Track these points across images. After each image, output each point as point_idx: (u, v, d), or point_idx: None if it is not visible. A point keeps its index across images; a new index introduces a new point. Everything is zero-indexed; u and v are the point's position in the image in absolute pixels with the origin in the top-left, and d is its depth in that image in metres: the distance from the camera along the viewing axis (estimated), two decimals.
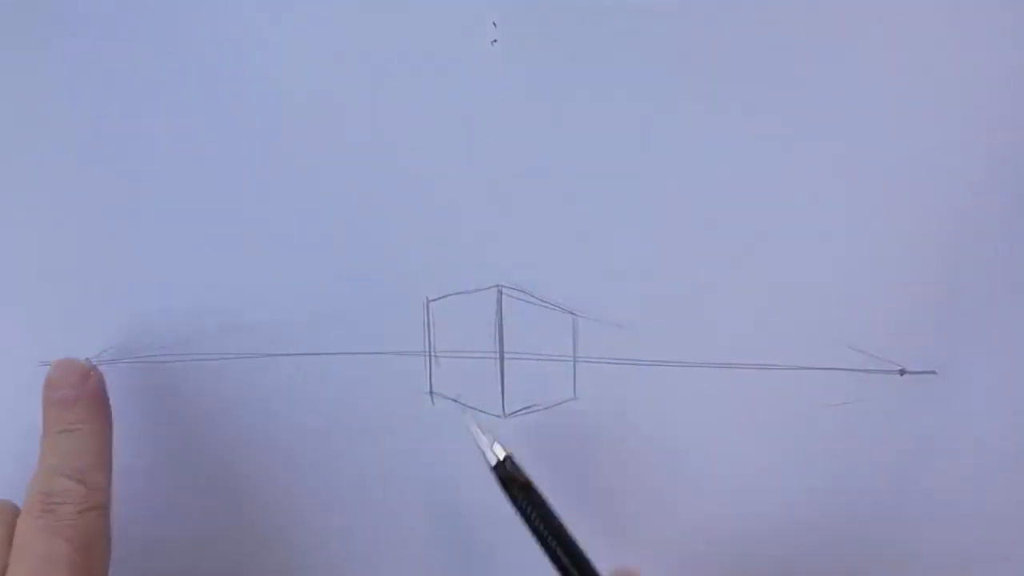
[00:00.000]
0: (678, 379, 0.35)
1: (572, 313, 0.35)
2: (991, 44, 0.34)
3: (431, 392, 0.36)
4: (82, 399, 0.34)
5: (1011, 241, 0.35)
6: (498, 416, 0.35)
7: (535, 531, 0.32)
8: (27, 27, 0.36)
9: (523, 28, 0.34)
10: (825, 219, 0.35)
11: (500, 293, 0.35)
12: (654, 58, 0.35)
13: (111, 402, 0.35)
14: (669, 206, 0.35)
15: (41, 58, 0.36)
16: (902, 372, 0.35)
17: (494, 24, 0.34)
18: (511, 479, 0.32)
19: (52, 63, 0.36)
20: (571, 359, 0.35)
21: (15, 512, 0.32)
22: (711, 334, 0.35)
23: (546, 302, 0.35)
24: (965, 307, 0.35)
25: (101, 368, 0.35)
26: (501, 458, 0.33)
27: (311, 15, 0.35)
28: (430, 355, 0.35)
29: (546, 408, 0.35)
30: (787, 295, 0.35)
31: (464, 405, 0.35)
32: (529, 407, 0.35)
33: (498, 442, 0.33)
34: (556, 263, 0.35)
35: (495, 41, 0.34)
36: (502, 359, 0.35)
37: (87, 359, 0.35)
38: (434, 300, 0.36)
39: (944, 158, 0.35)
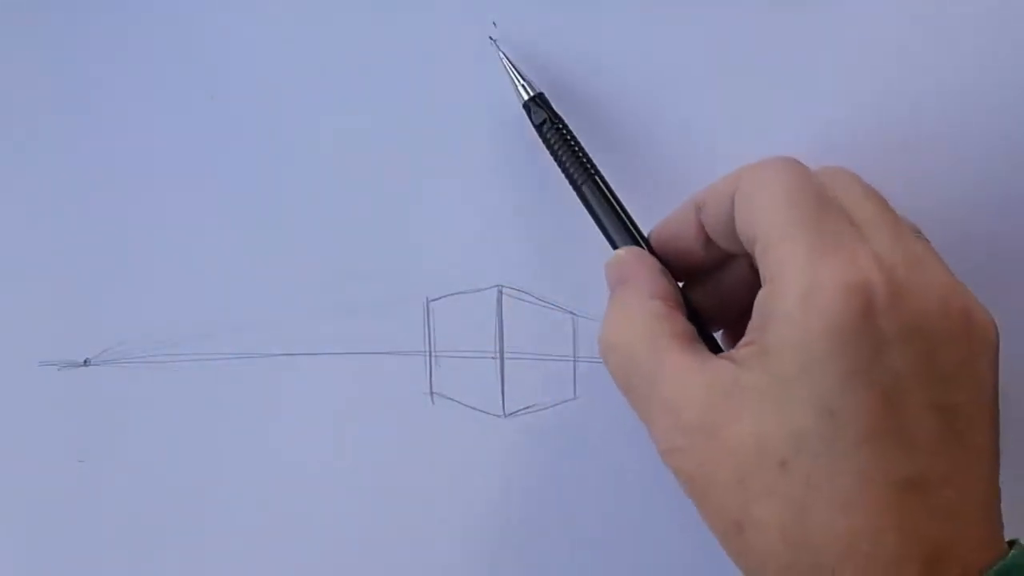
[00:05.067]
0: None
1: (572, 313, 0.35)
2: (988, 40, 0.34)
3: (431, 392, 0.35)
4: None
5: (1010, 240, 0.35)
6: (498, 416, 0.35)
7: (564, 167, 0.32)
8: (26, 27, 0.36)
9: (523, 28, 0.34)
10: None
11: (500, 293, 0.35)
12: (654, 58, 0.35)
13: (108, 402, 0.35)
14: (669, 205, 0.35)
15: (42, 58, 0.36)
16: None
17: (494, 24, 0.34)
18: (540, 115, 0.32)
19: (53, 63, 0.36)
20: (571, 359, 0.35)
21: None
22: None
23: (546, 302, 0.35)
24: None
25: (100, 368, 0.35)
26: (532, 94, 0.33)
27: (310, 15, 0.35)
28: (430, 355, 0.35)
29: (546, 408, 0.35)
30: None
31: (496, 44, 0.34)
32: (529, 407, 0.35)
33: (528, 82, 0.33)
34: (556, 263, 0.35)
35: (495, 41, 0.34)
36: (502, 359, 0.35)
37: (86, 359, 0.36)
38: (434, 300, 0.36)
39: (944, 157, 0.35)
